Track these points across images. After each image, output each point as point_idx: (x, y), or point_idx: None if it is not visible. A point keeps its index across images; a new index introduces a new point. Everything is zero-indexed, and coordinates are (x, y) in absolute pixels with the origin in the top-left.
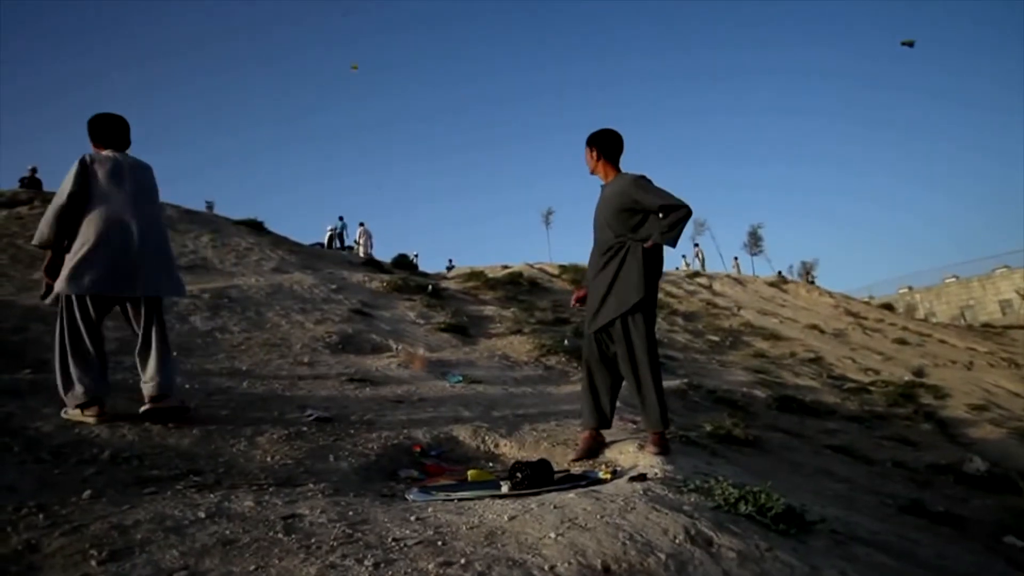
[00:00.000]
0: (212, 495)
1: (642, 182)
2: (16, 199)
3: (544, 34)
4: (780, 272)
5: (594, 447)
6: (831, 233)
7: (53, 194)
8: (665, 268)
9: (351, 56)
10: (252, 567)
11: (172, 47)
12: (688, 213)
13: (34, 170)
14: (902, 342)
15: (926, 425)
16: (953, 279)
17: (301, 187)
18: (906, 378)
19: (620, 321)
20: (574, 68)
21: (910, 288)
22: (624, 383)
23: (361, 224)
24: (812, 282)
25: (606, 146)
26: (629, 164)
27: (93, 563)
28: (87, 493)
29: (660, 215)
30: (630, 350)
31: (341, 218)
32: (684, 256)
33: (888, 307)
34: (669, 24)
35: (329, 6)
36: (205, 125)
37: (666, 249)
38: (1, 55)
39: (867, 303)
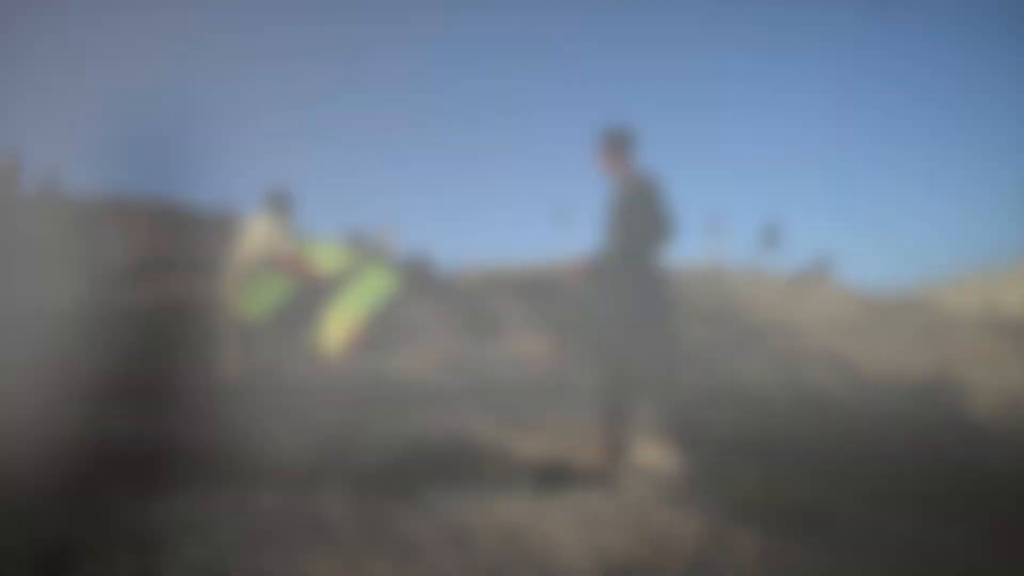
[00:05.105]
0: (235, 493)
1: (656, 186)
2: None
3: (554, 33)
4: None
5: (616, 446)
6: (851, 228)
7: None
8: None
9: (362, 52)
10: (275, 564)
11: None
12: (667, 241)
13: None
14: (924, 339)
15: (950, 424)
16: (978, 273)
17: (311, 187)
18: (929, 376)
19: (649, 318)
20: (585, 66)
21: (932, 283)
22: (642, 382)
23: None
24: (825, 278)
25: (622, 143)
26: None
27: (124, 558)
28: (116, 490)
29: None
30: (655, 347)
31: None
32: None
33: (909, 303)
34: (678, 23)
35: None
36: (216, 123)
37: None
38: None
39: (888, 299)
